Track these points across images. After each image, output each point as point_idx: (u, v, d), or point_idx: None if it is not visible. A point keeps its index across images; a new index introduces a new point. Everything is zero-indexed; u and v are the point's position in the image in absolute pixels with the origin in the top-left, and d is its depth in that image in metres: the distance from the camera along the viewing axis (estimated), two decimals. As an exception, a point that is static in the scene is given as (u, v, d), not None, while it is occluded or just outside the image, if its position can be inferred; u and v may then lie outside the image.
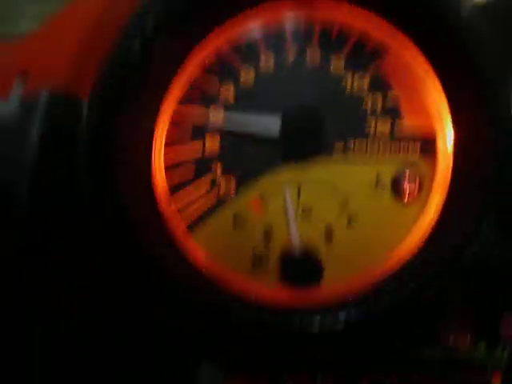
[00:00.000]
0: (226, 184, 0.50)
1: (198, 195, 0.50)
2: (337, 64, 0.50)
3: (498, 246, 0.49)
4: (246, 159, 0.50)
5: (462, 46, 0.47)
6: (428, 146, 0.51)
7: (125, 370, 0.50)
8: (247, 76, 0.50)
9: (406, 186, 0.51)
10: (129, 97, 0.43)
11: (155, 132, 0.48)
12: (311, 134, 0.49)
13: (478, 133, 0.48)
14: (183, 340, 0.49)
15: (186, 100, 0.49)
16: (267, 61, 0.50)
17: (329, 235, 0.51)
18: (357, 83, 0.50)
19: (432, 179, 0.51)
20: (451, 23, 0.46)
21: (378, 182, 0.51)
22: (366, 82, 0.50)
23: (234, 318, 0.47)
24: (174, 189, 0.50)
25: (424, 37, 0.49)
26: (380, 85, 0.50)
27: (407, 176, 0.51)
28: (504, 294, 0.51)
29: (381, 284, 0.49)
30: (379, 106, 0.50)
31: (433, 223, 0.50)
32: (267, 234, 0.51)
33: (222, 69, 0.50)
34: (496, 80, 0.47)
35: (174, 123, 0.49)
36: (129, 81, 0.43)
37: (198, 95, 0.49)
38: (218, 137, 0.50)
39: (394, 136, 0.51)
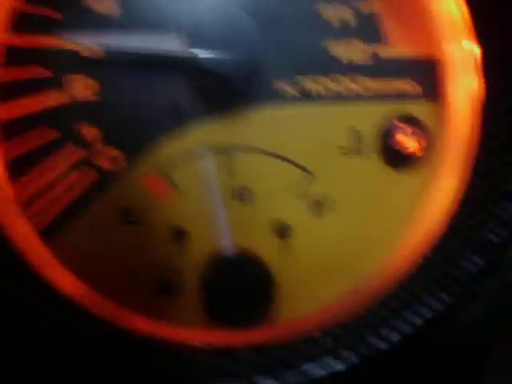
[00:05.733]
0: (105, 158, 0.30)
1: (56, 181, 0.30)
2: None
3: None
4: (136, 119, 0.30)
5: None
6: (431, 83, 0.32)
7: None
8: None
9: (402, 145, 0.31)
10: None
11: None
12: (240, 66, 0.29)
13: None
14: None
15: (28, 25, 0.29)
16: None
17: (284, 235, 0.31)
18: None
19: (442, 133, 0.31)
20: None
21: (354, 143, 0.31)
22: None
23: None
24: (16, 172, 0.29)
25: None
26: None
27: (402, 130, 0.31)
28: None
29: (370, 316, 0.28)
30: (350, 22, 0.31)
31: (450, 203, 0.30)
32: (178, 238, 0.30)
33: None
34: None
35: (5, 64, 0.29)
36: None
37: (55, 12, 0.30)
38: (91, 82, 0.30)
39: (373, 70, 0.32)
